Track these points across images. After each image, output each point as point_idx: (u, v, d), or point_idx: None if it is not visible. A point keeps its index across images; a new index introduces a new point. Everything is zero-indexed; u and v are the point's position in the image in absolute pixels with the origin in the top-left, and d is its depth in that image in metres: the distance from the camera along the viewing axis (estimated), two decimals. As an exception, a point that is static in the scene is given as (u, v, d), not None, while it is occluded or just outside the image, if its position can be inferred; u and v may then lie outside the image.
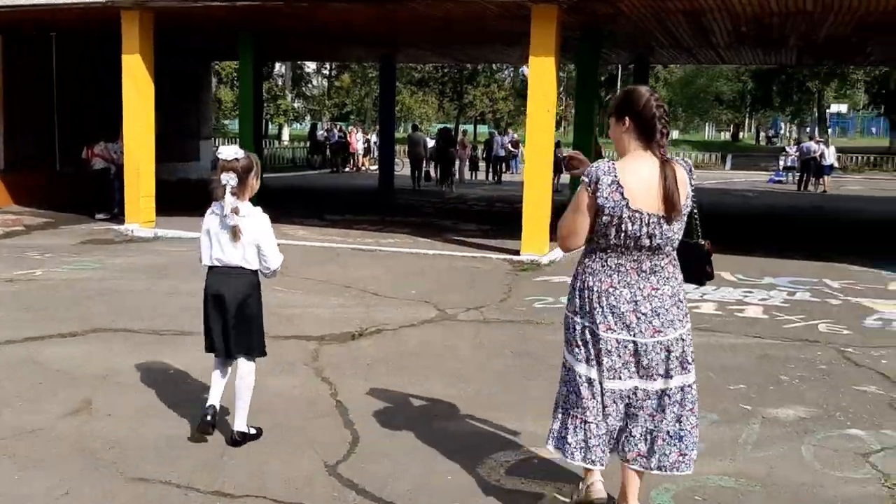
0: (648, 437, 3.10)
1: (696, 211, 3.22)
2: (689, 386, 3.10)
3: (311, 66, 59.86)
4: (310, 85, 61.45)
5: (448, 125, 37.72)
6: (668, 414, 3.07)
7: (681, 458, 3.10)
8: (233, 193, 3.88)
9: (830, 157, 26.24)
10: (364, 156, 31.39)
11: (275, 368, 5.23)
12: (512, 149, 29.77)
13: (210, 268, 4.07)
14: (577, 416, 3.13)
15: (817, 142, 27.06)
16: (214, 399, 4.18)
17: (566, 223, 3.13)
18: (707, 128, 73.70)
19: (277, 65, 56.58)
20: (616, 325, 3.03)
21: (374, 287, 8.46)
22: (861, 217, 18.07)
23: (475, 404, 4.89)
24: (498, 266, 10.24)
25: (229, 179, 3.86)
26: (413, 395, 5.03)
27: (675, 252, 3.12)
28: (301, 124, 60.01)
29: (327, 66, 58.36)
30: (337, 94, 57.49)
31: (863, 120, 60.88)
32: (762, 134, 63.50)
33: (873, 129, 63.84)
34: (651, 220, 2.96)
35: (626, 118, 3.03)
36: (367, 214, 15.47)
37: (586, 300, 3.08)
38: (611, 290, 3.03)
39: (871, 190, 27.28)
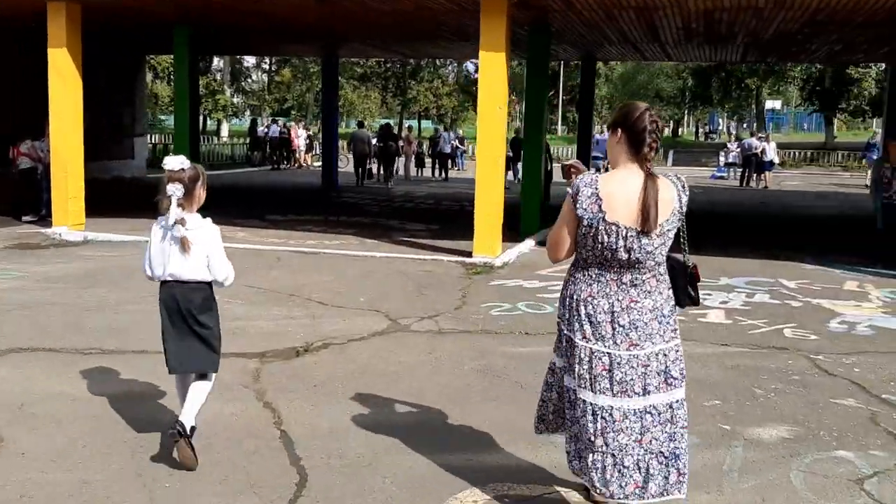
0: (641, 463, 3.01)
1: (684, 230, 3.19)
2: (677, 402, 3.06)
3: (250, 61, 58.66)
4: (249, 80, 60.23)
5: (389, 121, 37.11)
6: (660, 434, 3.01)
7: (680, 479, 3.06)
8: (179, 205, 3.79)
9: (771, 153, 26.52)
10: (307, 152, 30.68)
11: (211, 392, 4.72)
12: (458, 145, 29.48)
13: (163, 283, 3.95)
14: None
15: (759, 138, 27.34)
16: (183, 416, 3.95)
17: (552, 234, 3.17)
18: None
19: (216, 59, 55.34)
20: (593, 335, 3.03)
21: (319, 295, 7.97)
22: (805, 213, 18.17)
23: (435, 432, 4.47)
24: (450, 269, 9.83)
25: (175, 190, 3.77)
26: (366, 423, 4.58)
27: (660, 268, 3.10)
28: (241, 120, 58.77)
29: (267, 60, 57.23)
30: (278, 88, 56.43)
31: (796, 116, 62.24)
32: (700, 130, 64.46)
33: (805, 125, 65.39)
34: (629, 234, 2.95)
35: (619, 130, 3.06)
36: (310, 214, 14.91)
37: (566, 308, 3.15)
38: (589, 299, 3.06)
39: (811, 185, 27.69)
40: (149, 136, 27.56)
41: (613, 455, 3.00)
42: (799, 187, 26.95)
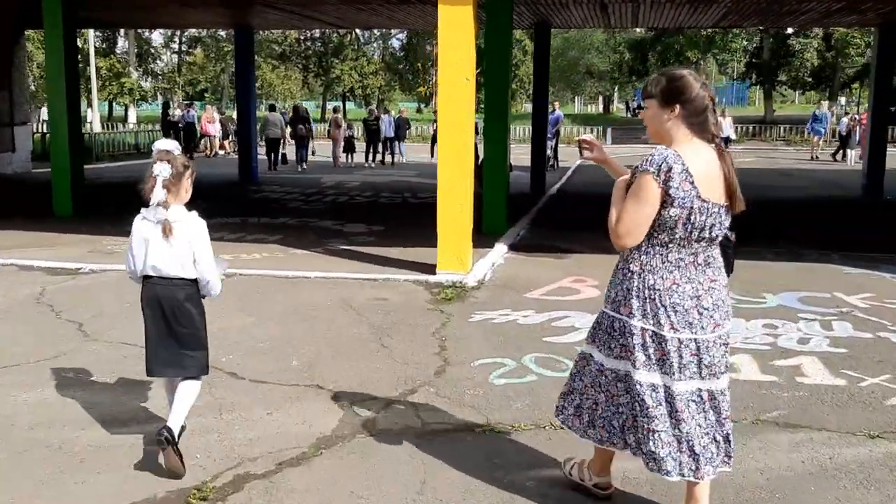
0: (721, 441, 2.99)
1: None
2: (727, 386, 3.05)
3: (158, 40, 54.51)
4: (158, 61, 56.03)
5: (300, 103, 34.13)
6: (725, 415, 2.99)
7: (727, 459, 3.04)
8: (164, 187, 3.54)
9: (728, 128, 24.78)
10: (224, 138, 27.58)
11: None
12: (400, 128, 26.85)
13: (145, 278, 3.66)
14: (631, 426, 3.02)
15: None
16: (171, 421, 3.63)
17: (629, 217, 2.86)
18: (576, 101, 73.14)
19: (120, 40, 51.13)
20: (679, 323, 2.87)
21: (230, 356, 5.39)
22: (783, 195, 16.29)
23: None
24: (411, 295, 7.36)
25: (162, 170, 3.55)
26: None
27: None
28: (150, 104, 54.64)
29: (177, 40, 53.24)
30: (189, 70, 52.51)
31: (736, 90, 61.44)
32: (631, 105, 62.88)
33: (741, 99, 64.75)
34: (714, 211, 2.86)
35: (676, 105, 2.86)
36: (223, 215, 12.07)
37: (647, 300, 2.90)
38: (674, 287, 2.88)
39: (765, 162, 26.08)
40: (35, 126, 24.13)
41: (707, 434, 2.94)
42: (754, 164, 25.30)
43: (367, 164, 23.29)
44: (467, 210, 8.11)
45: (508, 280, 8.02)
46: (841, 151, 25.85)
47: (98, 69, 43.82)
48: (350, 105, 57.24)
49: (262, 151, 22.94)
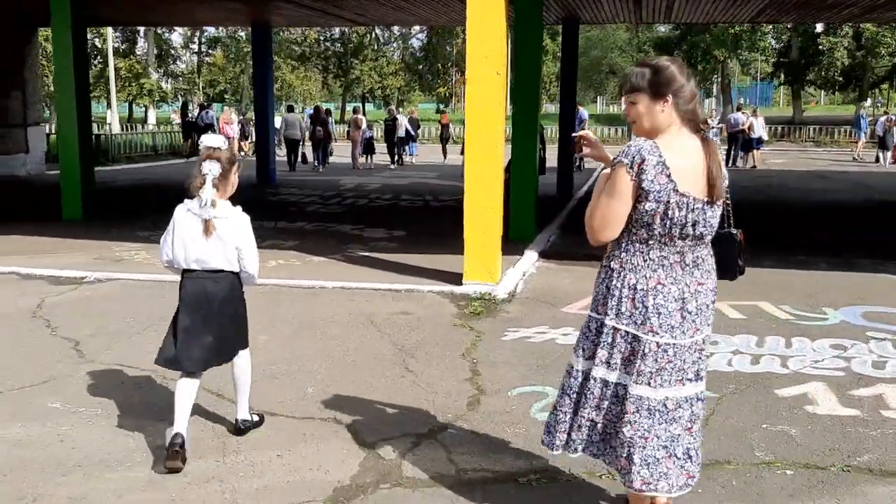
0: (692, 452, 2.78)
1: (729, 195, 2.81)
2: (702, 392, 2.82)
3: (178, 41, 54.36)
4: (178, 62, 55.88)
5: (321, 104, 33.71)
6: (696, 426, 2.78)
7: (689, 480, 2.78)
8: (214, 185, 3.55)
9: (760, 129, 24.00)
10: (242, 140, 27.12)
11: None
12: (410, 129, 26.34)
13: (187, 271, 3.67)
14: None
15: (744, 113, 24.80)
16: (181, 425, 3.61)
17: (601, 212, 2.71)
18: (598, 101, 72.30)
19: (140, 40, 50.99)
20: (660, 327, 2.67)
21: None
22: (824, 199, 15.53)
23: None
24: (436, 308, 6.77)
25: (212, 168, 3.55)
26: None
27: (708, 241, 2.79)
28: (170, 105, 54.50)
29: (196, 41, 53.06)
30: (210, 71, 52.25)
31: (761, 90, 60.31)
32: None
33: (766, 100, 63.58)
34: (696, 206, 2.64)
35: (669, 96, 2.67)
36: (239, 221, 11.56)
37: (624, 299, 2.71)
38: (659, 287, 2.68)
39: (798, 163, 25.29)
40: (49, 126, 23.76)
41: (665, 447, 2.71)
42: (786, 165, 24.52)
43: (391, 166, 22.78)
44: (497, 215, 7.51)
45: (542, 292, 7.41)
46: (880, 152, 24.97)
47: (117, 70, 43.67)
48: (369, 106, 56.76)
49: (281, 152, 22.62)
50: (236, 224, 3.65)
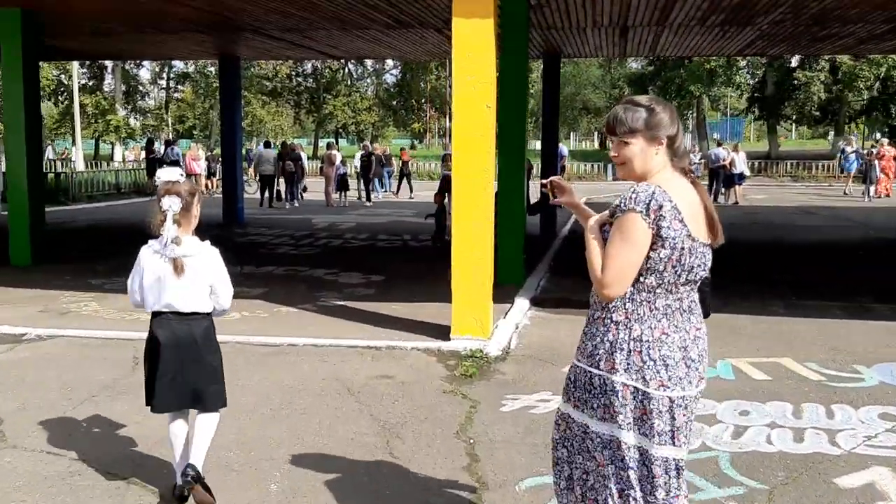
0: None
1: None
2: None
3: (145, 76, 53.50)
4: (146, 98, 54.97)
5: (290, 139, 33.03)
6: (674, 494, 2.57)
7: None
8: (175, 221, 3.41)
9: (741, 164, 23.57)
10: (209, 177, 26.24)
11: None
12: (383, 162, 25.73)
13: (156, 314, 3.52)
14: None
15: (725, 148, 24.42)
16: (187, 457, 3.57)
17: (617, 262, 2.47)
18: (571, 137, 72.31)
19: (108, 77, 50.06)
20: (670, 380, 2.48)
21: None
22: (810, 235, 14.99)
23: None
24: (422, 370, 5.95)
25: (171, 204, 3.40)
26: None
27: None
28: (138, 142, 53.48)
29: (165, 76, 52.22)
30: (178, 107, 51.37)
31: (732, 125, 60.48)
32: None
33: (737, 135, 63.78)
34: (701, 251, 2.54)
35: (664, 139, 2.56)
36: (202, 266, 10.68)
37: (632, 352, 2.49)
38: (663, 337, 2.51)
39: (778, 198, 24.90)
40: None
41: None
42: (768, 201, 24.10)
43: (366, 203, 22.08)
44: (487, 261, 6.74)
45: (539, 348, 6.63)
46: (864, 187, 24.67)
47: (83, 106, 42.68)
48: (342, 142, 56.12)
49: (251, 189, 21.80)
50: (206, 260, 3.50)
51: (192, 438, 3.59)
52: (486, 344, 6.53)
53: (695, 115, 42.64)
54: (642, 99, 2.63)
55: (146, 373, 3.61)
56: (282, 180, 21.63)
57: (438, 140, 60.13)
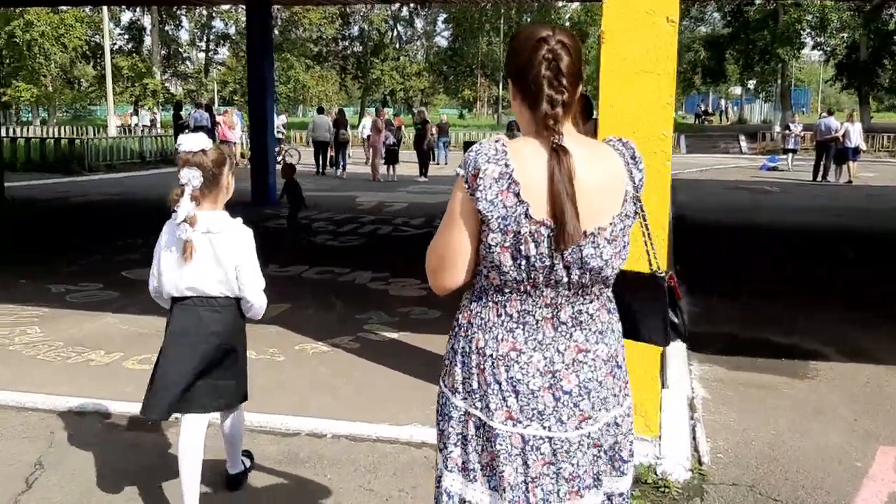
0: None
1: (646, 222, 1.99)
2: (621, 497, 1.95)
3: (184, 37, 51.13)
4: (187, 62, 52.70)
5: (325, 106, 30.71)
6: None
7: None
8: (193, 197, 2.94)
9: (856, 136, 20.13)
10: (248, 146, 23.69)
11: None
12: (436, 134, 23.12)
13: (176, 299, 3.04)
14: None
15: (837, 118, 20.99)
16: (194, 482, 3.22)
17: (435, 245, 1.89)
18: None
19: (147, 39, 47.77)
20: (522, 412, 1.82)
21: None
22: None
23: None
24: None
25: (191, 178, 2.92)
26: None
27: (609, 291, 1.91)
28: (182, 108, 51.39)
29: (204, 38, 49.78)
30: (218, 71, 48.94)
31: (797, 96, 55.80)
32: (699, 111, 57.37)
33: (804, 106, 59.20)
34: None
35: (510, 81, 1.91)
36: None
37: (474, 370, 1.86)
38: (514, 354, 1.83)
39: (892, 178, 21.38)
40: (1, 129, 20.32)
41: None
42: (876, 179, 20.62)
43: (419, 178, 19.23)
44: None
45: (754, 458, 3.72)
46: None
47: (119, 69, 40.48)
48: (388, 110, 53.30)
49: (292, 159, 19.61)
50: (234, 239, 3.00)
51: (227, 441, 3.29)
52: (658, 452, 3.64)
53: (779, 82, 38.66)
54: (520, 30, 1.92)
55: (154, 370, 3.05)
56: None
57: (488, 109, 56.91)
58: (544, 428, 1.81)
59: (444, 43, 54.42)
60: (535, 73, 1.79)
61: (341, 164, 20.64)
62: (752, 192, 17.09)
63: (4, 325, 5.98)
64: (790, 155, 23.39)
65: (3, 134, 23.71)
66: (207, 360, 3.00)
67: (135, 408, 4.29)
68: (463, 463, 1.88)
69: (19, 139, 20.83)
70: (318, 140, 20.87)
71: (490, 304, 1.86)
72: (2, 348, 5.41)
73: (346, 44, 47.25)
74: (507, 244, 1.77)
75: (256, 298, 3.06)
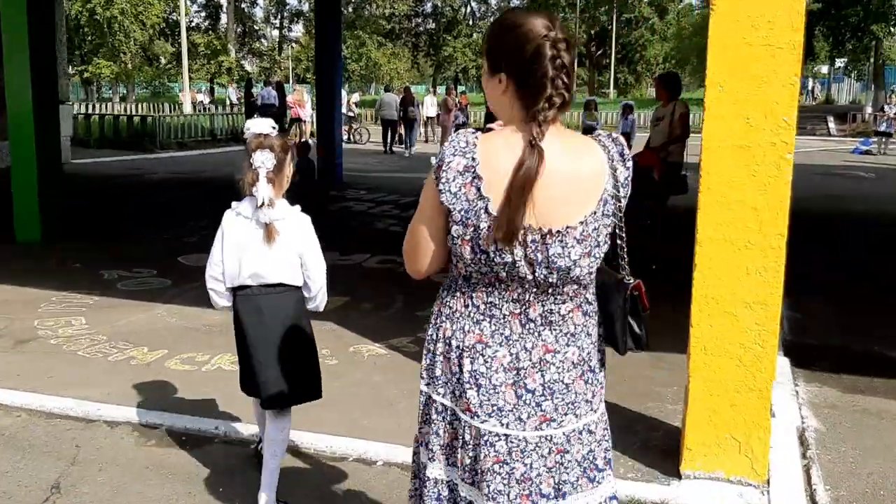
0: None
1: (622, 226, 1.87)
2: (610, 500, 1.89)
3: (259, 15, 51.37)
4: (262, 39, 53.01)
5: (391, 85, 30.33)
6: None
7: None
8: (269, 180, 2.88)
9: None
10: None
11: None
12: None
13: (239, 288, 2.96)
14: None
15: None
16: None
17: (410, 232, 1.90)
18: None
19: (223, 16, 48.19)
20: (481, 406, 1.80)
21: None
22: None
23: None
24: None
25: (265, 160, 2.88)
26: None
27: (588, 293, 1.86)
28: (255, 85, 51.78)
29: (278, 16, 49.94)
30: (292, 48, 49.05)
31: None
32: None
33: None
34: (529, 238, 1.74)
35: (503, 73, 1.78)
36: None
37: (439, 357, 1.86)
38: (479, 347, 1.81)
39: None
40: (87, 105, 20.47)
41: None
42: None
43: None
44: (770, 331, 3.20)
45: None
46: None
47: (195, 46, 40.89)
48: (460, 88, 52.62)
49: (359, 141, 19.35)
50: (296, 226, 2.94)
51: (265, 449, 3.03)
52: (768, 502, 3.04)
53: (872, 60, 36.53)
54: (511, 14, 1.83)
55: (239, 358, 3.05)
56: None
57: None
58: (502, 425, 1.79)
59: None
60: (543, 71, 1.73)
61: (409, 142, 20.54)
62: (845, 179, 15.97)
63: (53, 314, 5.71)
64: (884, 139, 21.95)
65: (81, 110, 24.02)
66: (276, 349, 2.93)
67: (168, 420, 3.93)
68: (440, 448, 1.87)
69: (93, 116, 20.99)
70: (386, 118, 20.88)
71: (458, 293, 1.85)
72: (44, 341, 5.12)
73: (419, 20, 46.75)
74: (468, 237, 1.76)
75: (319, 285, 3.01)
